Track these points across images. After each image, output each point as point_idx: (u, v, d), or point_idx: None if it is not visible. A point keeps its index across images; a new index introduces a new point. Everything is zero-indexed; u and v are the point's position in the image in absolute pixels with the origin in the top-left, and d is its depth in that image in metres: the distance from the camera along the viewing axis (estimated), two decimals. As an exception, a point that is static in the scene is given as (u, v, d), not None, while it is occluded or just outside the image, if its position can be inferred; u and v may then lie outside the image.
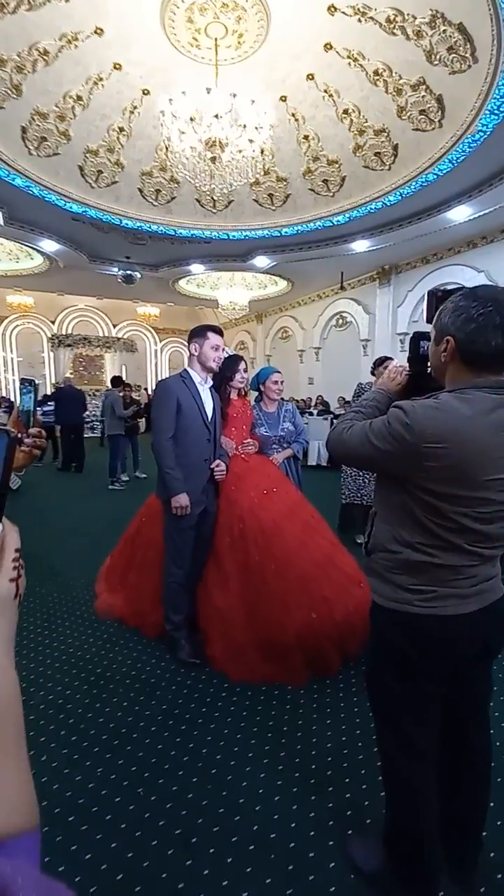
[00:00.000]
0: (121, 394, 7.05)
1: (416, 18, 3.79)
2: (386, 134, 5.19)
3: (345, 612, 2.31)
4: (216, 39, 4.04)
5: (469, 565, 1.06)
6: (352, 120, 5.11)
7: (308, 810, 1.56)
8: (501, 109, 4.32)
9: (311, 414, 9.09)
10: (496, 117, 4.41)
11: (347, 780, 1.68)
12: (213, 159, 4.24)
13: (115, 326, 14.88)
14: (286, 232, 7.20)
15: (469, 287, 1.05)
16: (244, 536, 2.46)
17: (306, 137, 5.47)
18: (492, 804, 1.33)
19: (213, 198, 6.35)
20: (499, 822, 1.49)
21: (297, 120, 5.23)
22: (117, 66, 4.48)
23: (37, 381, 0.92)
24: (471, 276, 7.56)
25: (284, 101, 4.95)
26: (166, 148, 5.08)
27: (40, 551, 4.03)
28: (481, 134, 4.67)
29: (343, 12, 3.82)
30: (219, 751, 1.82)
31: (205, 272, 9.41)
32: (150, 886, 1.32)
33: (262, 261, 8.35)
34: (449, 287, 1.22)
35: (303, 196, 6.43)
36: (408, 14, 3.77)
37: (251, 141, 4.16)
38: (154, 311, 13.61)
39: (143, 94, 4.85)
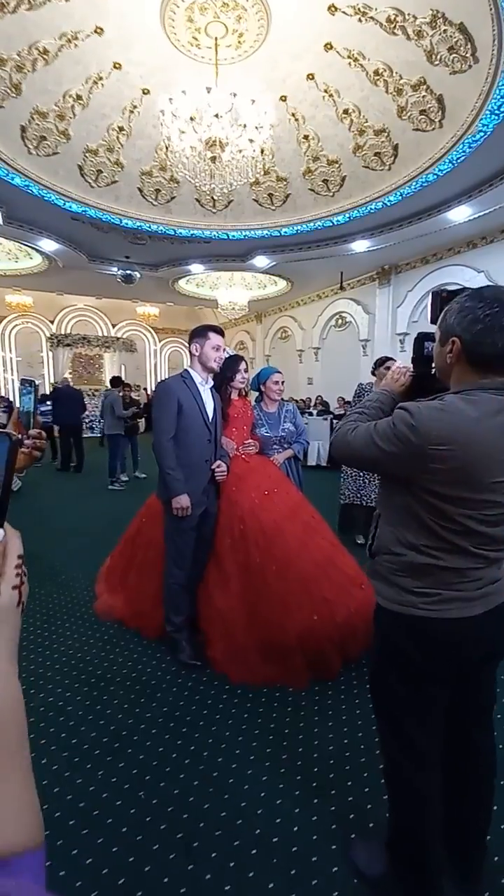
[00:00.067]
0: (120, 394, 7.04)
1: (416, 18, 3.78)
2: (386, 134, 5.18)
3: (346, 613, 2.30)
4: (216, 39, 4.03)
5: (474, 568, 1.05)
6: (352, 120, 5.10)
7: (310, 814, 1.55)
8: (502, 109, 4.31)
9: (310, 414, 9.09)
10: (496, 117, 4.41)
11: (350, 784, 1.67)
12: (213, 159, 4.23)
13: (114, 326, 14.85)
14: (286, 232, 7.19)
15: (475, 288, 1.04)
16: (245, 537, 2.45)
17: (306, 137, 5.47)
18: (496, 807, 1.33)
19: (212, 197, 6.34)
20: (503, 826, 1.48)
21: (297, 120, 5.23)
22: (117, 66, 4.47)
23: (36, 382, 0.91)
24: (470, 276, 7.56)
25: (284, 100, 4.94)
26: (166, 147, 5.07)
27: (40, 551, 4.02)
28: (482, 134, 4.67)
29: (343, 12, 3.81)
30: (220, 753, 1.81)
31: (204, 272, 9.40)
32: (151, 891, 1.31)
33: (261, 261, 8.34)
34: (450, 287, 1.22)
35: (303, 196, 6.42)
36: (408, 14, 3.76)
37: (251, 141, 4.15)
38: (153, 311, 13.59)
39: (143, 93, 4.84)
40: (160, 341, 15.99)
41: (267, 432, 2.99)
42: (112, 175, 6.03)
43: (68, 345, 13.84)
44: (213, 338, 2.32)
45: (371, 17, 3.84)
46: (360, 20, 3.87)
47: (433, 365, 1.18)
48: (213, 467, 2.41)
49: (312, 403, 10.47)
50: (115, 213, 6.75)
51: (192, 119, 3.94)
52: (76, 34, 4.06)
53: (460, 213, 6.39)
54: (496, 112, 4.35)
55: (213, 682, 2.25)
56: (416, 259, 8.58)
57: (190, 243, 7.72)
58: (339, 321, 10.94)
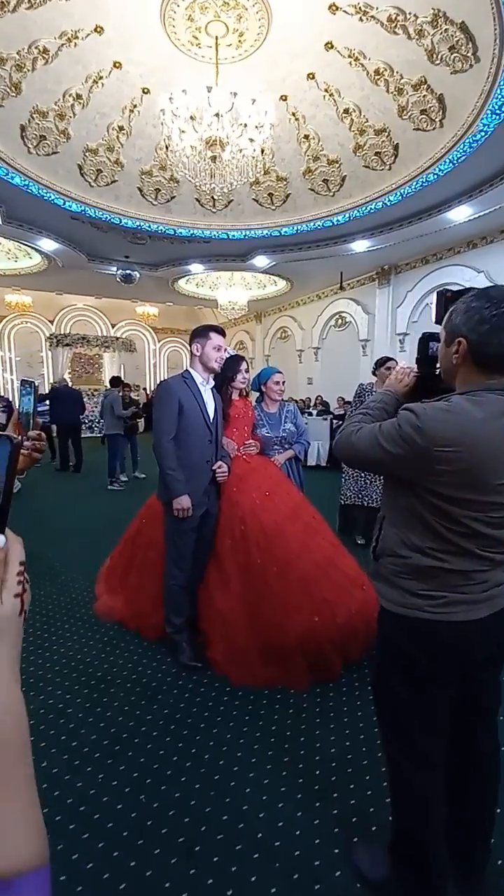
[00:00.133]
0: (120, 394, 7.03)
1: (417, 17, 3.77)
2: (386, 134, 5.17)
3: (346, 614, 2.29)
4: (217, 38, 4.01)
5: (480, 570, 1.04)
6: (352, 119, 5.09)
7: (313, 817, 1.54)
8: (503, 109, 4.30)
9: (310, 414, 9.08)
10: (497, 117, 4.40)
11: (352, 787, 1.66)
12: (214, 158, 4.21)
13: (113, 326, 14.83)
14: (286, 232, 7.17)
15: (481, 287, 1.03)
16: (246, 538, 2.44)
17: (306, 137, 5.45)
18: (499, 810, 1.32)
19: (212, 197, 6.32)
20: (506, 829, 1.47)
21: (297, 119, 5.21)
22: (117, 65, 4.46)
23: (36, 383, 0.90)
24: (470, 276, 7.55)
25: (285, 100, 4.93)
26: (166, 147, 5.05)
27: (39, 552, 4.00)
28: (482, 134, 4.65)
29: (344, 11, 3.80)
30: (221, 756, 1.80)
31: (204, 272, 9.38)
32: (152, 896, 1.30)
33: (261, 260, 8.33)
34: (452, 288, 1.21)
35: (303, 196, 6.41)
36: (409, 13, 3.75)
37: (252, 140, 4.14)
38: (153, 311, 13.57)
39: (143, 92, 4.82)
40: (159, 341, 15.97)
41: (268, 433, 2.98)
42: (112, 174, 6.02)
43: (67, 344, 13.81)
44: (215, 338, 2.31)
45: (372, 17, 3.82)
46: (360, 19, 3.86)
47: (437, 365, 1.17)
48: (213, 468, 2.39)
49: (312, 403, 10.46)
50: (114, 213, 6.73)
51: (192, 118, 3.92)
52: (76, 33, 4.04)
53: (460, 213, 6.38)
54: (497, 112, 4.33)
55: (214, 683, 2.24)
56: (415, 259, 8.57)
57: (190, 243, 7.71)
58: (339, 321, 10.93)
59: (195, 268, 9.02)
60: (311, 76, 4.59)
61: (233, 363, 2.64)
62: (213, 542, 2.51)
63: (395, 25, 3.87)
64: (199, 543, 2.43)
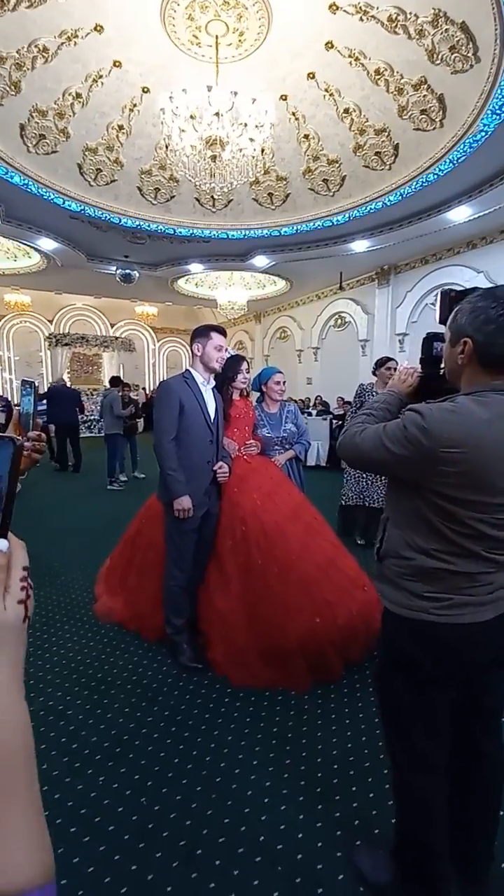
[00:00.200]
0: (119, 393, 7.01)
1: (418, 17, 3.76)
2: (386, 133, 5.17)
3: (347, 615, 2.28)
4: (217, 37, 4.01)
5: (486, 572, 1.03)
6: (352, 119, 5.08)
7: (315, 820, 1.53)
8: (503, 109, 4.30)
9: (309, 414, 9.07)
10: (497, 117, 4.39)
11: (354, 789, 1.65)
12: (214, 158, 4.21)
13: (112, 326, 14.81)
14: (285, 231, 7.16)
15: (486, 287, 1.02)
16: (246, 539, 2.43)
17: (306, 136, 5.45)
18: (503, 812, 1.31)
19: (212, 197, 6.31)
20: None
21: (297, 119, 5.21)
22: (117, 64, 4.44)
23: (36, 383, 0.89)
24: (470, 276, 7.55)
25: (285, 99, 4.92)
26: (166, 146, 5.04)
27: (38, 552, 3.98)
28: (482, 134, 4.65)
29: (345, 11, 3.79)
30: (222, 758, 1.79)
31: (204, 271, 9.37)
32: (154, 900, 1.29)
33: (261, 260, 8.32)
34: (455, 288, 1.20)
35: (302, 195, 6.40)
36: (410, 13, 3.75)
37: (252, 140, 4.13)
38: (152, 311, 13.55)
39: (143, 91, 4.81)
40: (159, 341, 15.96)
41: (268, 433, 2.97)
42: (111, 174, 6.00)
43: (67, 344, 13.79)
44: (216, 338, 2.30)
45: (372, 16, 3.82)
46: (361, 19, 3.85)
47: (442, 366, 1.16)
48: (214, 468, 2.38)
49: (312, 403, 10.45)
50: (114, 212, 6.72)
51: (192, 118, 3.92)
52: (76, 32, 4.03)
53: (460, 214, 6.38)
54: (497, 112, 4.33)
55: (215, 685, 2.23)
56: (415, 259, 8.57)
57: (189, 243, 7.70)
58: (339, 321, 10.92)
59: (195, 267, 9.01)
60: (311, 76, 4.58)
61: (234, 363, 2.63)
62: (214, 543, 2.49)
63: (396, 25, 3.87)
64: (199, 544, 2.41)
